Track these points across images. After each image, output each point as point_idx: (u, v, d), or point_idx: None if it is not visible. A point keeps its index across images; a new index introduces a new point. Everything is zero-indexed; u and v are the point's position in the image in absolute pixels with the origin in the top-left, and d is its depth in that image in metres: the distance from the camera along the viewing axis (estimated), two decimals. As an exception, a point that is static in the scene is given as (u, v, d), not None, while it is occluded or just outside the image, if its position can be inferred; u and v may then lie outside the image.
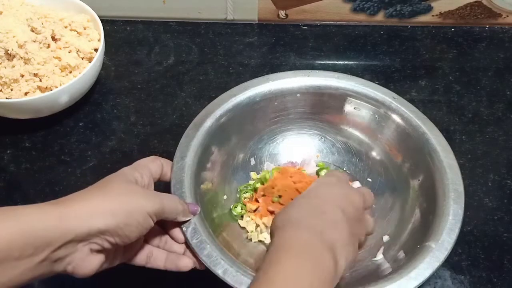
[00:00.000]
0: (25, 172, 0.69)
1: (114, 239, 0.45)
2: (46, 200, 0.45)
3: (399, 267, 0.53)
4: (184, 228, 0.53)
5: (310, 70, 0.67)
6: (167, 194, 0.54)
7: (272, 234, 0.49)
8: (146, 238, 0.52)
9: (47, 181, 0.68)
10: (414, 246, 0.54)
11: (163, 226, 0.54)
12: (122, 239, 0.46)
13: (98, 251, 0.46)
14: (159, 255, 0.52)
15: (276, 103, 0.66)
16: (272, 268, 0.44)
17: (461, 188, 0.57)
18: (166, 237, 0.54)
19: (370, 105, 0.65)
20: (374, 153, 0.66)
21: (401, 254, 0.56)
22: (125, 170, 0.51)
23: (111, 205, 0.45)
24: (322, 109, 0.67)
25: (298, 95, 0.66)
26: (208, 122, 0.61)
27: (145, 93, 0.77)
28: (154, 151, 0.70)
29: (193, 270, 0.52)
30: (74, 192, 0.47)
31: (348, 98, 0.66)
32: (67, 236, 0.43)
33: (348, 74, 0.67)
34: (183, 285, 0.59)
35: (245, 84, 0.66)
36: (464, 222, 0.63)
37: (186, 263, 0.52)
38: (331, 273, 0.45)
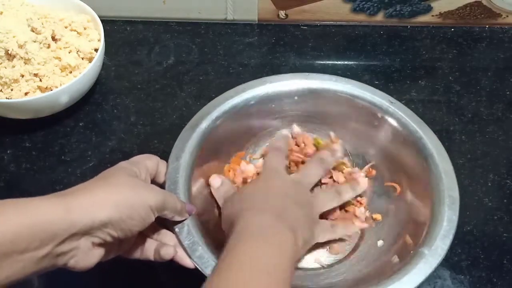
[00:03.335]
0: (25, 172, 0.69)
1: (117, 232, 0.45)
2: (47, 200, 0.45)
3: (391, 272, 0.52)
4: (177, 230, 0.52)
5: (308, 73, 0.67)
6: (167, 191, 0.54)
7: (234, 219, 0.50)
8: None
9: (47, 181, 0.68)
10: (408, 252, 0.54)
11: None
12: (125, 233, 0.46)
13: (100, 245, 0.46)
14: (150, 246, 0.52)
15: (273, 106, 0.66)
16: (236, 250, 0.46)
17: (456, 194, 0.56)
18: (160, 230, 0.53)
19: (367, 108, 0.65)
20: (370, 157, 0.66)
21: (395, 259, 0.56)
22: (124, 164, 0.51)
23: (114, 197, 0.45)
24: (319, 112, 0.67)
25: (296, 97, 0.66)
26: (204, 124, 0.61)
27: (145, 93, 0.77)
28: (154, 151, 0.70)
29: (187, 270, 0.52)
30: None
31: (345, 101, 0.65)
32: (72, 229, 0.43)
33: (348, 74, 0.67)
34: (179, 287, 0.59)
35: (242, 86, 0.65)
36: (464, 222, 0.63)
37: (166, 251, 0.51)
38: (293, 251, 0.48)
